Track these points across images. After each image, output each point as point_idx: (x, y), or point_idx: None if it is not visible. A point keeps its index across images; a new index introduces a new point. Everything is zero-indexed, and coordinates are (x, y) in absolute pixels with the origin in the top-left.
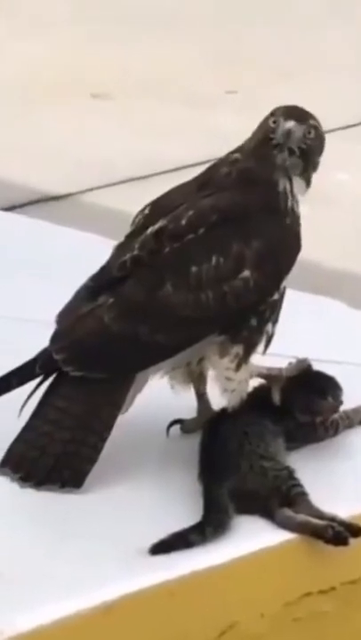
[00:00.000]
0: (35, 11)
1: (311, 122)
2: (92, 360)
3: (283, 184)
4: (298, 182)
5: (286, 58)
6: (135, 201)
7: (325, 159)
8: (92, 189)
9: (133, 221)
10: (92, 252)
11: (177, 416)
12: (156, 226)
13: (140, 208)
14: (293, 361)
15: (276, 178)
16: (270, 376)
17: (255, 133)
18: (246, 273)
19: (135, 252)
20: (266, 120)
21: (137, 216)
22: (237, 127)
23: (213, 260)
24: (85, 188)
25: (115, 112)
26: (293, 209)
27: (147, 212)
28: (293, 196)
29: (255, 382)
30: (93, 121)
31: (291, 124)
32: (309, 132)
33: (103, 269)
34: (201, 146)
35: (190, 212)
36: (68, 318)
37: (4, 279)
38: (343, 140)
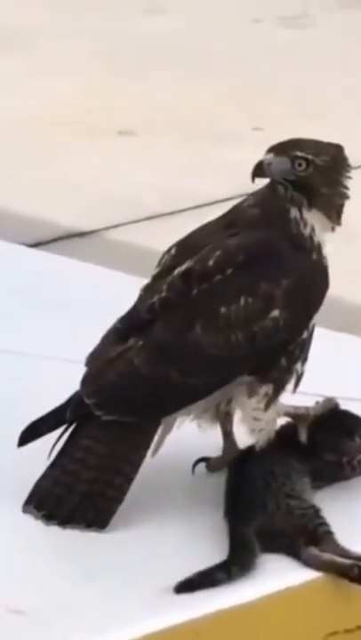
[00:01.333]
0: (60, 48)
1: (299, 154)
2: (122, 404)
3: (293, 213)
4: (316, 216)
5: (312, 95)
6: (161, 237)
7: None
8: (117, 226)
9: (159, 262)
10: (118, 289)
11: (203, 454)
12: (184, 267)
13: (166, 244)
14: (320, 400)
15: (288, 208)
16: (297, 415)
17: None
18: (276, 312)
19: (163, 294)
20: None
21: (163, 256)
22: None
23: (242, 300)
24: (111, 224)
25: (140, 149)
26: (312, 238)
27: (173, 252)
28: (307, 224)
29: (282, 420)
30: (119, 158)
31: (267, 156)
32: (299, 165)
33: (131, 312)
34: (227, 182)
35: (217, 253)
36: (98, 361)
37: (29, 316)
38: None
